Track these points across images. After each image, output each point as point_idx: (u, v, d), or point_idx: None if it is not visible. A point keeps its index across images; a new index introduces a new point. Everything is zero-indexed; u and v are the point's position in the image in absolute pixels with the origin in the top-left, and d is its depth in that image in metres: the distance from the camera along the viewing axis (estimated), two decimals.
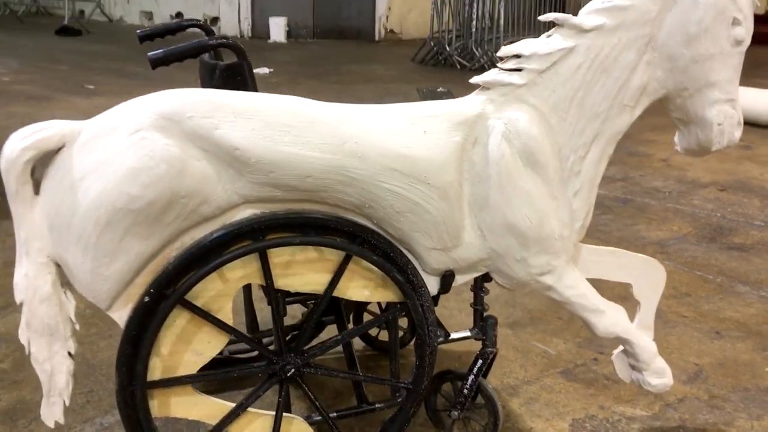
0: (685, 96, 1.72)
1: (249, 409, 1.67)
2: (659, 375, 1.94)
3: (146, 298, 1.48)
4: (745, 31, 1.66)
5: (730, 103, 1.71)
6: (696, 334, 2.64)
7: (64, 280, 1.49)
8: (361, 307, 2.35)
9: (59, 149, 1.41)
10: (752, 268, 3.24)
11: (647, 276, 1.95)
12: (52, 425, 1.55)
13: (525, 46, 1.63)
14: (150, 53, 1.56)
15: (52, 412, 1.54)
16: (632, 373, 2.00)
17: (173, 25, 1.79)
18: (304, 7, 12.36)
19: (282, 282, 1.60)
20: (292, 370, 1.64)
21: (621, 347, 1.97)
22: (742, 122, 1.75)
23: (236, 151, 1.43)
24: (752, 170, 4.90)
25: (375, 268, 1.64)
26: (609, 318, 1.84)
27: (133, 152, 1.37)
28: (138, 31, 1.71)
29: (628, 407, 2.18)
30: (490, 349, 1.89)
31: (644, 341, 1.91)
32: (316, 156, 1.48)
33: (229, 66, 1.61)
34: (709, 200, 4.22)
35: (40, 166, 1.42)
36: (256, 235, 1.52)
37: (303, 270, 1.61)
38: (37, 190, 1.42)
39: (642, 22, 1.63)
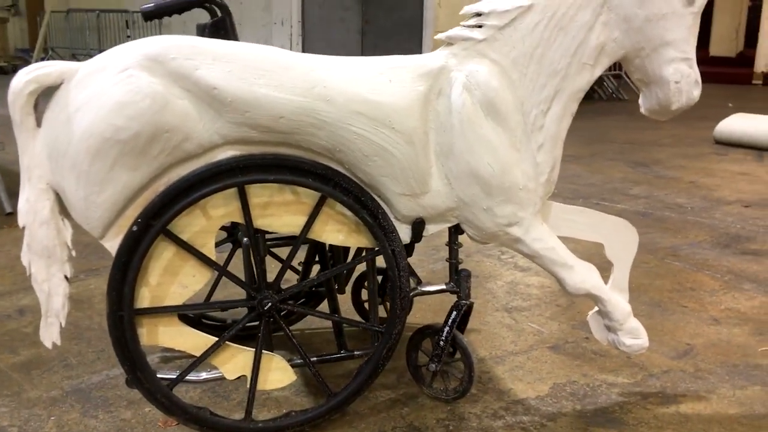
0: (642, 56, 1.82)
1: (232, 344, 1.80)
2: (633, 335, 2.00)
3: (134, 228, 1.64)
4: None
5: (686, 62, 1.81)
6: (693, 320, 2.67)
7: (62, 209, 1.67)
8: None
9: (59, 86, 1.61)
10: (762, 268, 3.24)
11: (619, 236, 2.02)
12: (49, 345, 1.71)
13: (485, 4, 1.77)
14: (142, 6, 1.76)
15: (49, 332, 1.70)
16: (608, 335, 2.06)
17: (184, 1, 1.94)
18: (353, 54, 12.76)
19: (261, 222, 1.74)
20: (269, 304, 1.77)
21: (596, 308, 2.04)
22: (700, 81, 1.85)
23: (214, 90, 1.60)
24: None
25: (349, 214, 1.77)
26: (578, 273, 1.92)
27: (120, 88, 1.55)
28: (142, 6, 1.90)
29: (610, 375, 2.22)
30: (464, 301, 1.98)
31: (616, 299, 1.97)
32: (288, 98, 1.64)
33: (213, 23, 1.81)
34: (731, 215, 4.22)
35: (42, 101, 1.62)
36: (235, 174, 1.68)
37: (280, 211, 1.75)
38: (39, 123, 1.62)
39: None
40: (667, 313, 2.73)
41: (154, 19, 1.77)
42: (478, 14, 1.78)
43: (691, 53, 1.83)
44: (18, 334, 2.47)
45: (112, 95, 1.55)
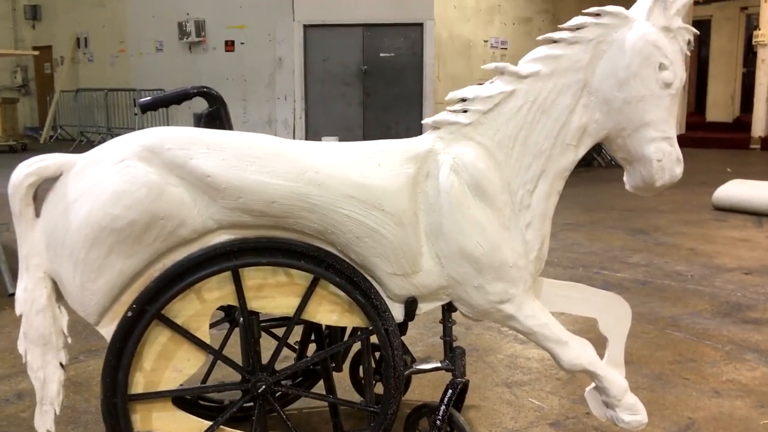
0: (624, 135, 1.88)
1: (227, 429, 1.80)
2: (631, 411, 1.99)
3: (129, 313, 1.67)
4: (673, 74, 1.84)
5: (666, 141, 1.87)
6: (694, 393, 2.65)
7: (59, 296, 1.70)
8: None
9: (57, 177, 1.66)
10: (763, 338, 3.23)
11: (611, 311, 2.04)
12: None
13: (469, 90, 1.84)
14: (140, 100, 1.84)
15: (44, 420, 1.71)
16: (606, 411, 2.04)
17: (179, 93, 2.03)
18: (354, 128, 13.03)
19: (255, 304, 1.77)
20: (263, 387, 1.78)
21: (593, 384, 2.03)
22: (682, 159, 1.90)
23: (208, 178, 1.65)
24: None
25: (342, 294, 1.80)
26: (573, 350, 1.93)
27: (117, 178, 1.61)
28: (140, 100, 1.98)
29: None
30: (459, 379, 1.98)
31: (612, 375, 1.97)
32: (280, 183, 1.69)
33: (209, 113, 1.88)
34: (731, 282, 4.22)
35: (41, 192, 1.67)
36: (229, 257, 1.71)
37: (274, 293, 1.78)
38: (38, 214, 1.67)
39: (575, 69, 1.83)
40: (669, 386, 2.71)
41: (151, 110, 1.85)
42: (464, 99, 1.84)
43: (671, 132, 1.88)
44: (15, 418, 2.46)
45: (109, 185, 1.60)
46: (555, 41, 1.85)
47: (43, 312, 1.66)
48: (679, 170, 1.89)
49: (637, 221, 6.15)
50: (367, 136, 13.12)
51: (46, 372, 1.69)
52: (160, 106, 1.84)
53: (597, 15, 1.84)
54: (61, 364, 1.70)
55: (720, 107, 15.31)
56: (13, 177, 1.63)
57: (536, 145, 1.84)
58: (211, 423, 1.78)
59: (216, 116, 1.87)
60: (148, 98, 1.85)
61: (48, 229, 1.65)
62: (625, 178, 1.97)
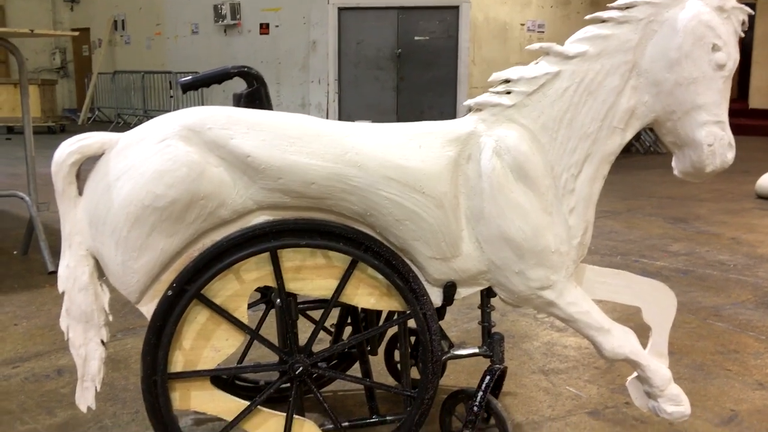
0: (674, 119, 1.82)
1: (264, 409, 1.80)
2: (675, 402, 1.94)
3: (169, 292, 1.67)
4: (726, 55, 1.78)
5: (718, 125, 1.80)
6: (737, 385, 2.58)
7: (101, 274, 1.71)
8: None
9: (100, 156, 1.66)
10: None
11: (656, 299, 1.99)
12: (84, 410, 1.73)
13: (513, 71, 1.80)
14: (180, 80, 1.83)
15: (85, 397, 1.72)
16: (648, 401, 2.00)
17: (220, 73, 2.02)
18: (388, 112, 12.98)
19: (293, 285, 1.76)
20: (300, 368, 1.77)
21: (635, 374, 1.99)
22: (734, 144, 1.83)
23: (248, 158, 1.64)
24: None
25: (380, 277, 1.78)
26: (615, 338, 1.89)
27: (158, 157, 1.60)
28: (180, 80, 1.97)
29: None
30: (497, 365, 1.96)
31: (656, 365, 1.93)
32: (320, 164, 1.67)
33: (249, 92, 1.87)
34: None
35: (84, 170, 1.68)
36: (267, 238, 1.70)
37: (312, 275, 1.76)
38: (81, 192, 1.67)
39: (623, 49, 1.77)
40: (710, 377, 2.65)
41: (192, 90, 1.84)
42: (507, 81, 1.80)
43: (724, 116, 1.82)
44: (55, 395, 2.50)
45: (151, 164, 1.60)
46: (603, 20, 1.79)
47: (86, 289, 1.67)
48: (730, 155, 1.83)
49: (677, 209, 6.04)
50: (400, 120, 13.06)
51: (88, 349, 1.70)
52: (200, 85, 1.83)
53: None
54: (102, 342, 1.71)
55: (763, 94, 14.93)
56: (57, 155, 1.64)
57: (582, 128, 1.79)
58: (248, 403, 1.77)
59: (256, 96, 1.86)
60: (189, 78, 1.84)
61: (90, 207, 1.65)
62: (673, 163, 1.92)
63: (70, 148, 1.63)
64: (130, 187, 1.60)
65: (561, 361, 2.80)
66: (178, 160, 1.61)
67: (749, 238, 4.98)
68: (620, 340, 1.89)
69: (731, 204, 6.26)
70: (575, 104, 1.78)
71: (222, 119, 1.65)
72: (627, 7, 1.78)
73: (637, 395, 2.03)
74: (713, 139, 1.80)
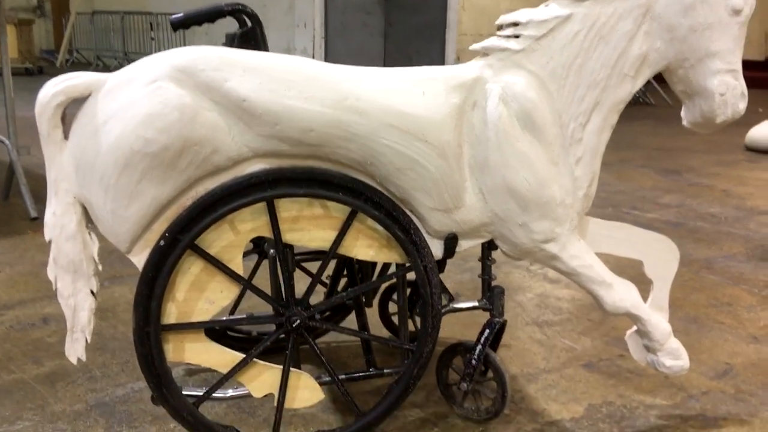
0: (686, 67, 1.75)
1: (259, 361, 1.75)
2: (674, 356, 1.93)
3: (162, 242, 1.60)
4: (743, 1, 1.70)
5: (732, 74, 1.74)
6: (731, 338, 2.58)
7: (89, 222, 1.63)
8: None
9: (87, 97, 1.57)
10: None
11: (659, 253, 1.95)
12: (74, 361, 1.67)
13: (522, 14, 1.71)
14: (172, 17, 1.73)
15: (75, 348, 1.67)
16: (647, 355, 1.98)
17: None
18: (375, 59, 12.74)
19: (289, 236, 1.70)
20: (298, 321, 1.72)
21: (634, 327, 1.97)
22: (746, 94, 1.77)
23: (244, 102, 1.55)
24: None
25: (380, 229, 1.71)
26: (617, 292, 1.85)
27: (149, 100, 1.51)
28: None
29: (648, 396, 2.15)
30: (497, 319, 1.92)
31: (656, 319, 1.90)
32: (318, 110, 1.59)
33: (243, 33, 1.77)
34: (765, 225, 4.11)
35: (69, 114, 1.59)
36: (264, 187, 1.63)
37: (310, 226, 1.70)
38: (66, 135, 1.58)
39: None
40: (704, 330, 2.64)
41: (183, 28, 1.73)
42: (515, 24, 1.71)
43: (738, 64, 1.76)
44: (42, 343, 2.44)
45: (141, 107, 1.51)
46: None
47: (74, 238, 1.60)
48: (742, 105, 1.77)
49: (668, 161, 6.01)
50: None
51: (77, 300, 1.63)
52: (192, 23, 1.72)
53: None
54: (92, 292, 1.65)
55: (753, 45, 14.82)
56: (41, 96, 1.54)
57: (591, 75, 1.72)
58: (243, 356, 1.73)
59: (251, 36, 1.75)
60: (180, 15, 1.73)
61: (77, 152, 1.56)
62: (682, 113, 1.86)
63: (55, 89, 1.54)
64: (118, 132, 1.51)
65: (554, 313, 2.78)
66: (170, 104, 1.52)
67: (739, 190, 4.96)
68: (622, 294, 1.86)
69: (722, 156, 6.23)
70: (586, 49, 1.70)
71: (215, 60, 1.56)
72: None
73: (636, 349, 2.01)
74: (725, 88, 1.74)
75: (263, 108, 1.56)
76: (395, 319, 2.49)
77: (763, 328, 2.66)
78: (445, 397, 2.04)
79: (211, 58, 1.56)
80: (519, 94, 1.68)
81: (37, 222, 3.92)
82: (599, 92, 1.73)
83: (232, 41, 1.80)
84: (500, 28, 1.74)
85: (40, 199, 4.28)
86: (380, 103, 1.62)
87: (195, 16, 1.72)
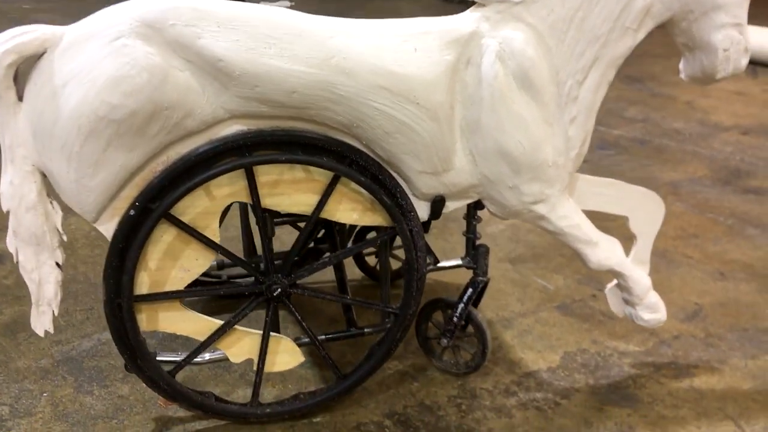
0: (690, 19, 1.65)
1: (237, 327, 1.69)
2: (652, 310, 1.93)
3: (132, 212, 1.48)
4: None
5: (737, 28, 1.65)
6: (699, 274, 2.61)
7: (50, 190, 1.50)
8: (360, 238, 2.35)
9: (41, 55, 1.40)
10: (765, 210, 3.18)
11: (645, 209, 1.91)
12: (41, 334, 1.58)
13: None
14: None
15: (41, 321, 1.57)
16: (625, 308, 1.99)
17: None
18: None
19: (269, 201, 1.59)
20: (279, 290, 1.65)
21: (615, 281, 1.96)
22: (750, 49, 1.69)
23: (220, 62, 1.40)
24: None
25: (364, 191, 1.62)
26: (603, 250, 1.82)
27: (113, 60, 1.35)
28: None
29: (621, 342, 2.17)
30: (480, 278, 1.88)
31: (638, 275, 1.89)
32: (302, 70, 1.45)
33: None
34: (729, 143, 4.12)
35: (23, 71, 1.42)
36: (242, 152, 1.51)
37: (290, 190, 1.60)
38: (21, 96, 1.42)
39: None
40: (673, 266, 2.66)
41: None
42: None
43: (743, 18, 1.66)
44: None
45: (105, 69, 1.35)
46: None
47: (34, 209, 1.46)
48: (744, 61, 1.69)
49: (631, 67, 5.92)
50: None
51: (41, 273, 1.52)
52: None
53: None
54: (57, 264, 1.53)
55: None
56: None
57: (593, 30, 1.60)
58: (220, 322, 1.66)
59: None
60: None
61: (34, 117, 1.40)
62: (681, 66, 1.77)
63: (4, 47, 1.35)
64: (80, 96, 1.35)
65: (527, 247, 2.77)
66: (137, 64, 1.36)
67: (702, 103, 4.95)
68: (607, 252, 1.83)
69: None
70: (588, 2, 1.58)
71: (187, 13, 1.39)
72: None
73: (615, 302, 2.01)
74: (729, 43, 1.65)
75: (241, 69, 1.41)
76: (369, 260, 2.44)
77: (729, 263, 2.70)
78: (423, 350, 2.03)
79: (183, 10, 1.39)
80: (517, 51, 1.56)
81: None
82: (599, 47, 1.63)
83: None
84: None
85: None
86: (369, 62, 1.49)
87: None
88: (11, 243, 1.49)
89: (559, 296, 2.43)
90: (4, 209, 1.46)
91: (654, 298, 1.93)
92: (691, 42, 1.69)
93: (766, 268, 2.66)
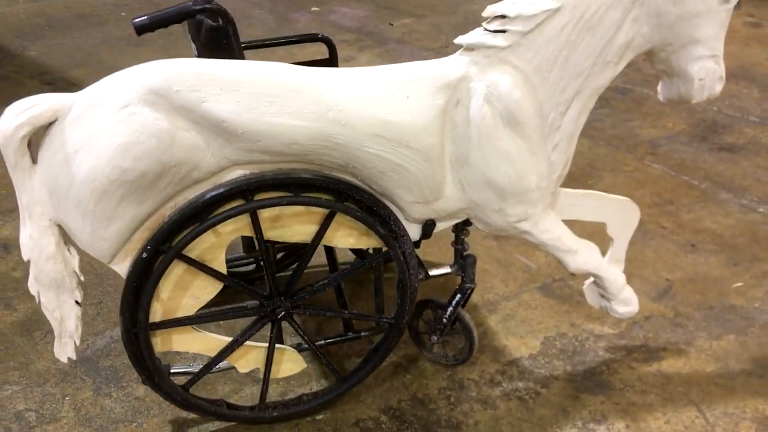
0: (669, 51, 1.73)
1: (246, 343, 1.83)
2: (625, 304, 2.09)
3: (144, 254, 1.59)
4: None
5: (713, 59, 1.73)
6: (672, 246, 2.77)
7: (68, 238, 1.60)
8: None
9: (52, 122, 1.47)
10: (738, 171, 3.31)
11: (621, 216, 2.04)
12: (65, 361, 1.71)
13: (510, 6, 1.62)
14: (134, 19, 1.57)
15: (64, 350, 1.70)
16: (601, 301, 2.14)
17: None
18: None
19: (271, 233, 1.70)
20: (282, 313, 1.79)
21: (591, 278, 2.10)
22: (724, 77, 1.77)
23: (223, 123, 1.48)
24: (758, 54, 4.81)
25: None
26: (581, 257, 1.96)
27: (123, 127, 1.43)
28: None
29: (597, 325, 2.35)
30: (468, 285, 2.02)
31: (613, 275, 2.03)
32: (302, 125, 1.53)
33: (213, 28, 1.63)
34: None
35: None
36: (246, 195, 1.60)
37: (291, 222, 1.70)
38: (35, 158, 1.50)
39: None
40: (647, 237, 2.82)
41: (148, 32, 1.57)
42: (503, 17, 1.62)
43: (720, 50, 1.74)
44: (8, 280, 2.43)
45: (115, 136, 1.43)
46: None
47: (53, 258, 1.57)
48: (719, 88, 1.78)
49: None
50: None
51: (63, 311, 1.64)
52: (158, 26, 1.55)
53: None
54: (76, 302, 1.65)
55: None
56: (3, 128, 1.43)
57: (575, 67, 1.68)
58: (229, 339, 1.80)
59: (223, 35, 1.61)
60: (144, 18, 1.55)
61: (48, 180, 1.49)
62: (659, 88, 1.85)
63: (18, 120, 1.42)
64: (92, 162, 1.44)
65: None
66: (146, 131, 1.44)
67: None
68: (585, 258, 1.97)
69: None
70: (572, 42, 1.65)
71: (190, 79, 1.46)
72: None
73: (591, 296, 2.16)
74: (705, 73, 1.74)
75: (244, 127, 1.50)
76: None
77: (700, 233, 2.85)
78: (415, 342, 2.19)
79: (186, 75, 1.46)
80: (504, 94, 1.64)
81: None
82: (581, 81, 1.71)
83: (199, 29, 1.64)
84: (486, 20, 1.65)
85: None
86: (364, 113, 1.57)
87: (161, 19, 1.55)
88: (33, 287, 1.60)
89: (541, 275, 2.59)
90: (25, 259, 1.56)
91: (628, 293, 2.09)
92: (669, 70, 1.77)
93: (734, 237, 2.82)
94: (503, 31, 1.63)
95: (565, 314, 2.40)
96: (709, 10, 1.66)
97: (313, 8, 5.38)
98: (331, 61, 2.20)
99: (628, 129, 3.71)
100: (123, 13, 4.57)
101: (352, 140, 1.57)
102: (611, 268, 2.04)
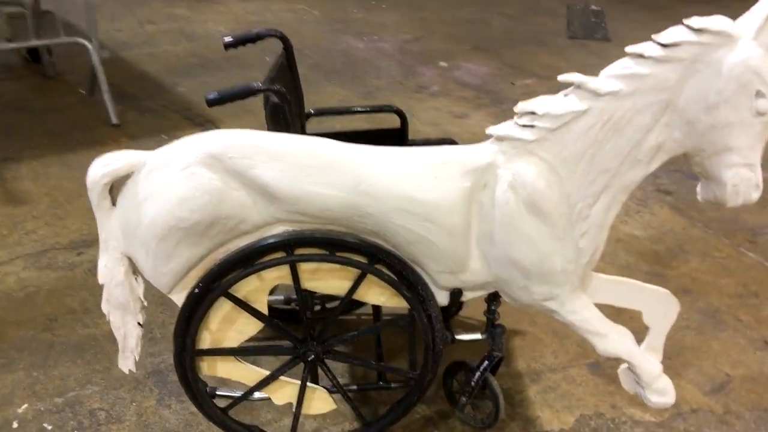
0: (703, 156, 1.77)
1: (281, 378, 2.04)
2: (660, 394, 2.10)
3: (196, 290, 1.85)
4: None
5: (748, 167, 1.75)
6: (742, 341, 2.70)
7: (135, 269, 1.89)
8: None
9: (130, 174, 1.77)
10: None
11: (658, 306, 2.07)
12: (126, 372, 2.00)
13: (540, 104, 1.75)
14: (207, 95, 1.87)
15: (126, 363, 1.99)
16: (636, 387, 2.16)
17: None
18: None
19: (309, 284, 1.91)
20: (312, 357, 1.98)
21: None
22: (761, 185, 1.79)
23: (267, 187, 1.72)
24: None
25: None
26: (610, 341, 2.01)
27: (183, 183, 1.70)
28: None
29: (638, 410, 2.35)
30: (496, 353, 2.12)
31: (647, 364, 2.06)
32: (335, 194, 1.74)
33: (273, 104, 1.90)
34: None
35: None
36: (286, 249, 1.83)
37: (327, 276, 1.90)
38: (114, 201, 1.81)
39: (659, 89, 1.69)
40: (719, 329, 2.76)
41: (218, 105, 1.87)
42: (532, 113, 1.75)
43: (755, 159, 1.76)
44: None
45: (176, 190, 1.70)
46: (643, 57, 1.69)
47: (122, 284, 1.86)
48: (756, 195, 1.80)
49: None
50: None
51: (126, 330, 1.93)
52: (226, 101, 1.86)
53: (698, 31, 1.65)
54: (139, 323, 1.93)
55: None
56: (91, 175, 1.76)
57: (603, 163, 1.77)
58: (267, 372, 2.02)
59: (280, 112, 1.89)
60: (215, 93, 1.86)
61: (122, 221, 1.79)
62: (698, 188, 1.89)
63: (102, 170, 1.74)
64: (156, 210, 1.72)
65: None
66: (201, 188, 1.70)
67: None
68: (614, 343, 2.01)
69: None
70: (599, 141, 1.74)
71: (244, 148, 1.71)
72: (671, 45, 1.66)
73: (626, 381, 2.19)
74: (739, 180, 1.76)
75: (284, 193, 1.72)
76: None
77: None
78: (448, 400, 2.31)
79: (240, 145, 1.71)
80: (528, 183, 1.76)
81: (120, 130, 4.22)
82: (609, 177, 1.79)
83: (266, 104, 1.93)
84: (517, 114, 1.78)
85: (122, 101, 4.55)
86: (392, 189, 1.75)
87: (229, 95, 1.85)
88: (104, 307, 1.91)
89: (594, 352, 2.60)
90: (100, 283, 1.87)
91: (662, 383, 2.09)
92: (705, 173, 1.81)
93: None
94: (532, 126, 1.76)
95: (608, 395, 2.42)
96: (743, 121, 1.70)
97: (441, 63, 5.62)
98: (402, 132, 2.40)
99: (732, 213, 3.61)
100: (267, 58, 5.01)
101: (379, 212, 1.76)
102: (645, 356, 2.07)
